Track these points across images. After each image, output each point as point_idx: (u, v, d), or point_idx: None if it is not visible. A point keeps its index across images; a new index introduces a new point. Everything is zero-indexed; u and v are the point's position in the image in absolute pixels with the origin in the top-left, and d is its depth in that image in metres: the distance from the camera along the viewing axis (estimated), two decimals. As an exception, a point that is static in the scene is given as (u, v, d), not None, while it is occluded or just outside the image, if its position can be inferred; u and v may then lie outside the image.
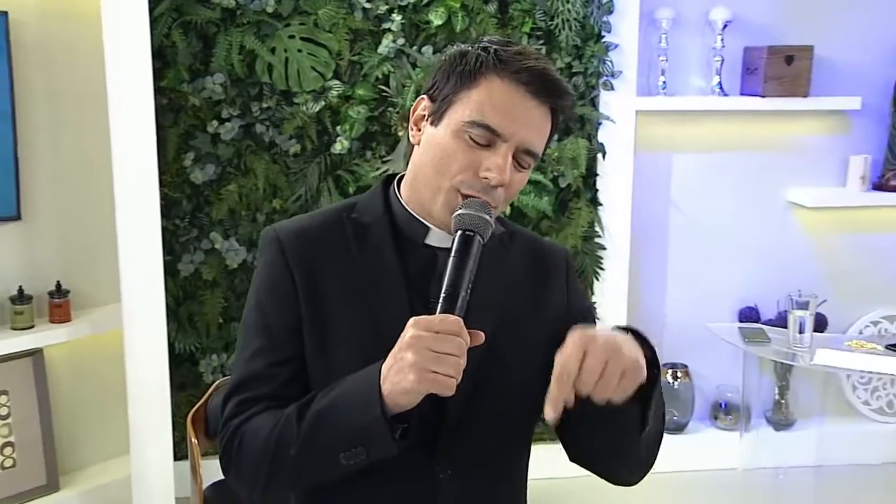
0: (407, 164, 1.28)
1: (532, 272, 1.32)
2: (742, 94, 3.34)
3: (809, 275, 3.47)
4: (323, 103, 2.97)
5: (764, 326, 2.80)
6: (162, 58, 2.87)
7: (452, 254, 1.11)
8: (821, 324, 3.36)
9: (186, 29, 2.89)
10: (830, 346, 2.47)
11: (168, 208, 2.93)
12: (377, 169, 3.03)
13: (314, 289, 1.21)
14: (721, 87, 3.27)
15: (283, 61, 2.93)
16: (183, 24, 2.88)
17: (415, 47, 3.01)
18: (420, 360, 1.02)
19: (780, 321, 3.29)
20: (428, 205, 1.21)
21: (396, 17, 2.95)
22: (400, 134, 3.02)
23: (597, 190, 3.20)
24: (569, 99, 1.21)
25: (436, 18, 2.97)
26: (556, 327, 1.27)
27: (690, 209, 3.43)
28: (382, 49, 2.97)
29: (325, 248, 1.24)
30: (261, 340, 1.22)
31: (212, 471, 1.44)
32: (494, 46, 1.19)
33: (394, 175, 1.32)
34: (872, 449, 3.54)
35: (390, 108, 3.02)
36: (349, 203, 1.30)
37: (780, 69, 3.20)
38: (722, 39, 3.23)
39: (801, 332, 2.47)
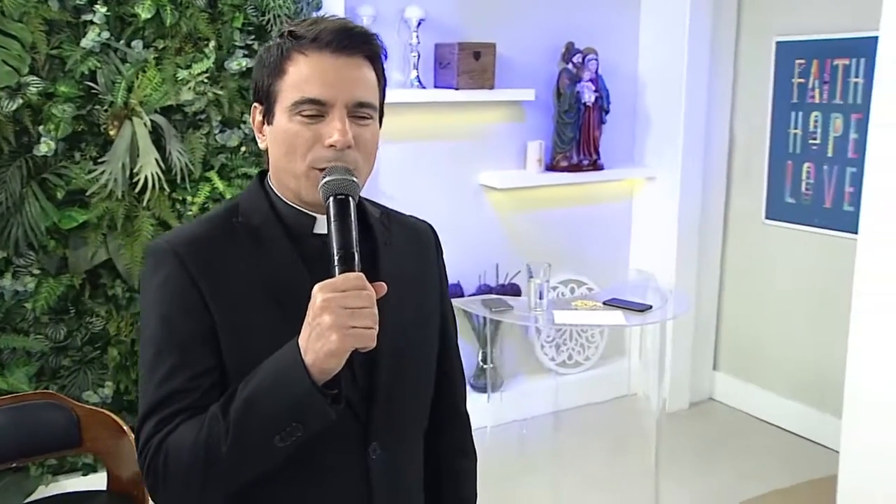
0: (268, 167, 1.29)
1: (412, 248, 1.38)
2: (436, 86, 3.62)
3: (501, 250, 3.88)
4: (21, 101, 2.70)
5: (502, 296, 3.10)
6: None
7: (332, 219, 1.13)
8: (516, 292, 3.79)
9: None
10: (560, 308, 2.82)
11: None
12: (90, 172, 2.83)
13: (221, 295, 1.18)
14: (419, 80, 3.52)
15: (-31, 54, 2.61)
16: None
17: (122, 41, 2.84)
18: (337, 319, 1.05)
19: (482, 294, 3.66)
20: (298, 192, 1.22)
21: (100, 9, 2.77)
22: (111, 133, 2.84)
23: (315, 182, 3.27)
24: (374, 40, 1.24)
25: (143, 11, 2.83)
26: (437, 299, 1.39)
27: (397, 196, 3.64)
28: (86, 42, 2.77)
29: (223, 254, 1.21)
30: (173, 358, 1.16)
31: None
32: (290, 28, 1.22)
33: (265, 171, 1.31)
34: (567, 395, 4.09)
35: (98, 106, 2.83)
36: (229, 207, 1.28)
37: (469, 64, 3.53)
38: (417, 36, 3.48)
39: (540, 297, 2.79)
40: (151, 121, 2.87)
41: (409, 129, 3.62)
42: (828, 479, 3.34)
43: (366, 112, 1.21)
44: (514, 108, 3.85)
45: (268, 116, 1.23)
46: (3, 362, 2.86)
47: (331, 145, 1.17)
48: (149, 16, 2.84)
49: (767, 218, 3.96)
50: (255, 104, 1.26)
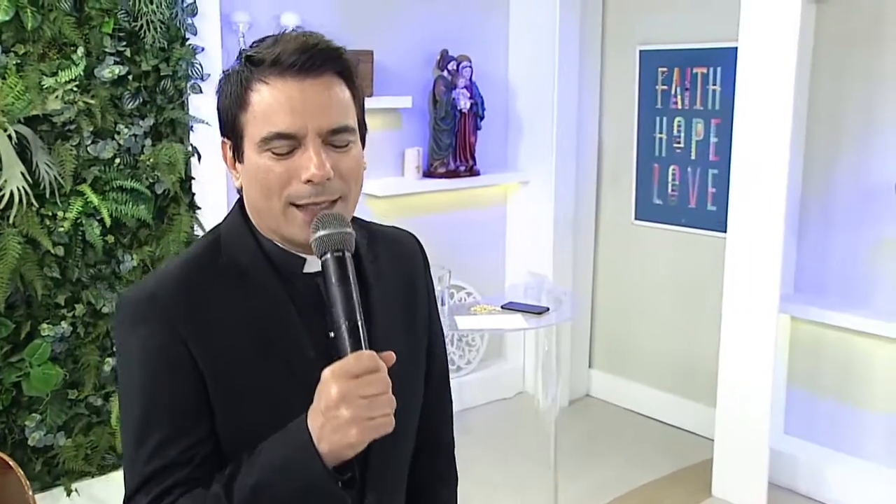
0: (244, 206, 1.19)
1: (400, 270, 1.29)
2: (314, 94, 3.56)
3: (383, 257, 3.86)
4: None
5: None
6: None
7: (334, 283, 1.04)
8: (399, 299, 3.78)
9: None
10: (460, 314, 2.84)
11: None
12: (-53, 187, 2.60)
13: (212, 351, 1.09)
14: (297, 89, 3.45)
15: None
16: None
17: (-22, 46, 2.64)
18: (356, 412, 0.98)
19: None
20: (280, 232, 1.13)
21: (-48, 11, 2.56)
22: (-30, 145, 2.63)
23: (193, 194, 3.15)
24: (341, 54, 1.13)
25: (0, 14, 2.64)
26: (426, 321, 1.32)
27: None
28: (-63, 47, 2.56)
29: (210, 302, 1.11)
30: (164, 428, 1.07)
31: None
32: (248, 53, 1.12)
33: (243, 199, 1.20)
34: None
35: (-46, 116, 2.62)
36: (210, 244, 1.17)
37: (348, 72, 3.49)
38: (294, 43, 3.41)
39: (441, 304, 2.79)
40: (15, 131, 2.68)
41: (287, 137, 3.54)
42: (704, 463, 3.53)
43: (344, 137, 1.11)
44: (392, 115, 3.85)
45: (237, 153, 1.13)
46: None
47: (308, 180, 1.07)
48: (6, 18, 2.64)
49: (637, 219, 4.14)
50: (223, 139, 1.16)
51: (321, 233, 1.06)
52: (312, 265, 1.15)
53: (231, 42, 3.27)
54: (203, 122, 3.09)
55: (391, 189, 3.83)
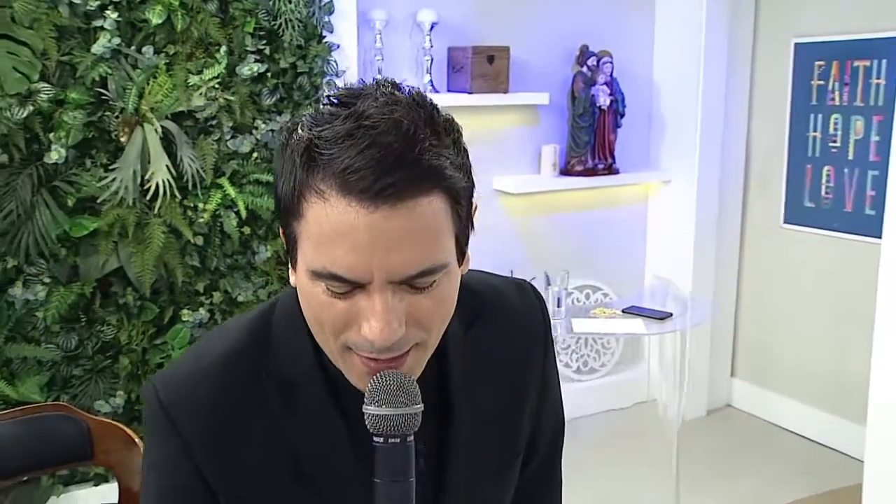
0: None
1: (506, 358, 1.04)
2: (449, 90, 3.57)
3: (515, 256, 3.83)
4: (31, 108, 2.67)
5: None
6: None
7: (391, 477, 0.81)
8: (531, 298, 3.74)
9: None
10: (579, 316, 2.78)
11: None
12: (101, 179, 2.79)
13: (233, 484, 0.91)
14: (432, 85, 3.48)
15: (-21, 61, 2.59)
16: None
17: (133, 47, 2.81)
18: None
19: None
20: (336, 366, 0.90)
21: (111, 15, 2.74)
22: (122, 140, 2.81)
23: (328, 188, 3.23)
24: (440, 170, 0.81)
25: (154, 17, 2.80)
26: (532, 409, 1.09)
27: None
28: (97, 49, 2.74)
29: (242, 426, 0.91)
30: None
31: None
32: (309, 134, 0.80)
33: None
34: (582, 403, 4.03)
35: (109, 113, 2.80)
36: (259, 336, 0.94)
37: (483, 67, 3.48)
38: (430, 40, 3.44)
39: (558, 305, 2.75)
40: (162, 127, 2.84)
41: (423, 133, 3.57)
42: (852, 488, 3.27)
43: (425, 280, 0.82)
44: (529, 111, 3.80)
45: (291, 255, 0.88)
46: (15, 372, 2.83)
47: (369, 339, 0.83)
48: (160, 21, 2.81)
49: (786, 222, 3.89)
50: (280, 226, 0.91)
51: (378, 411, 0.82)
52: None
53: (367, 39, 3.33)
54: (338, 118, 3.15)
55: (527, 186, 3.79)
